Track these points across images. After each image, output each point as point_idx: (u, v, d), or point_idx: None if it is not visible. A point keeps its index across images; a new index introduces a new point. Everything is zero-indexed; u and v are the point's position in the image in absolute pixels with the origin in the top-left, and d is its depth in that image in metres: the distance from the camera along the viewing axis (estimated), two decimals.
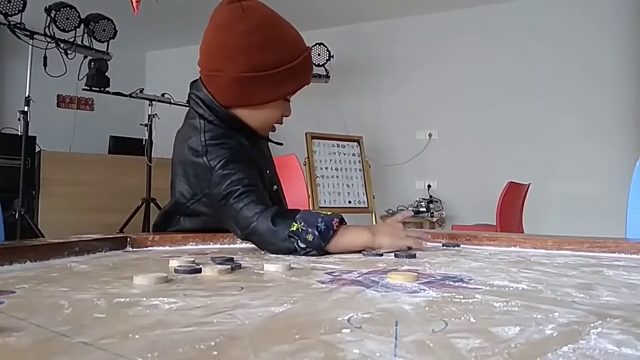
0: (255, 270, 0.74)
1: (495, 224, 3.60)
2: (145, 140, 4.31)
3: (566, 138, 4.62)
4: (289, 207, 1.32)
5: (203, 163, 1.10)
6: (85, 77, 4.14)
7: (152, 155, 4.27)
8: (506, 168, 4.62)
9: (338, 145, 4.62)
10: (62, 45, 3.89)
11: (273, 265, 0.74)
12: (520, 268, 0.78)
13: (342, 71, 5.22)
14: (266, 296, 0.54)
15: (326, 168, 4.48)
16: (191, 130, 1.17)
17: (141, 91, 4.43)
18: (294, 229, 0.96)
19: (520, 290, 0.59)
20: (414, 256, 0.90)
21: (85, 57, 4.13)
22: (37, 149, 4.29)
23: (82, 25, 3.96)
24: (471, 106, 5.01)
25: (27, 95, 3.82)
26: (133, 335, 0.37)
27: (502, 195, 3.60)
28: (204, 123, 1.16)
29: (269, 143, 1.38)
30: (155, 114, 4.31)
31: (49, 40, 3.81)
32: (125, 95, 4.32)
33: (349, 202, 4.50)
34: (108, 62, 4.21)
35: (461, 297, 0.54)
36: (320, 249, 0.96)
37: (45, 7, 3.80)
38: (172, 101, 4.53)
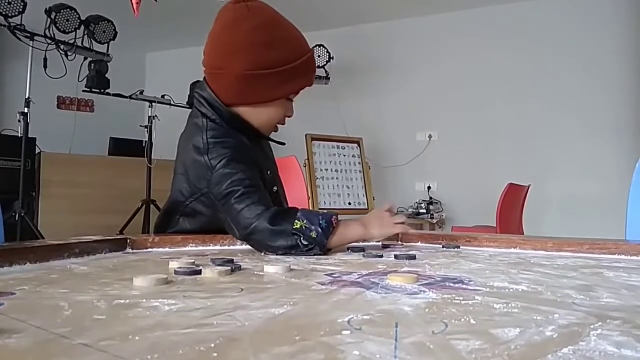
0: (255, 272, 0.74)
1: (495, 226, 3.60)
2: (145, 141, 4.31)
3: (566, 138, 4.62)
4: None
5: (204, 161, 1.11)
6: (85, 78, 4.14)
7: (152, 157, 4.27)
8: (506, 169, 4.62)
9: (338, 147, 4.62)
10: (62, 46, 3.89)
11: (273, 267, 0.74)
12: (520, 269, 0.78)
13: (342, 73, 5.22)
14: (266, 298, 0.54)
15: (326, 169, 4.48)
16: (194, 129, 1.18)
17: (141, 92, 4.43)
18: (298, 226, 0.98)
19: (520, 291, 0.59)
20: (413, 257, 0.90)
21: (86, 58, 4.13)
22: (37, 151, 4.29)
23: (82, 27, 3.96)
24: (471, 107, 5.01)
25: (27, 97, 3.82)
26: (133, 337, 0.37)
27: (502, 197, 3.60)
28: (207, 122, 1.17)
29: (271, 144, 1.38)
30: (155, 116, 4.31)
31: (49, 41, 3.81)
32: (125, 97, 4.32)
33: (349, 203, 4.50)
34: (108, 63, 4.21)
35: (461, 298, 0.54)
36: (322, 245, 0.98)
37: (46, 8, 3.80)
38: (172, 102, 4.53)
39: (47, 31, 3.80)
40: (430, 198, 5.01)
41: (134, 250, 1.03)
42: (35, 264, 0.78)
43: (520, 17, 4.86)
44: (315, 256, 0.97)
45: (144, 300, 0.52)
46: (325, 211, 1.05)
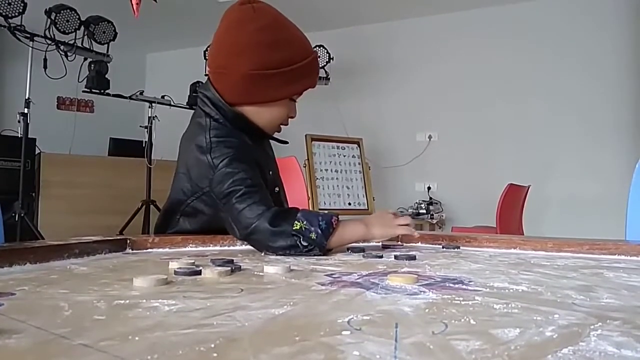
0: (255, 272, 0.74)
1: (495, 226, 3.60)
2: (145, 142, 4.31)
3: (566, 139, 4.62)
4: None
5: (206, 160, 1.11)
6: (85, 79, 4.14)
7: (152, 157, 4.27)
8: (506, 169, 4.62)
9: (338, 147, 4.62)
10: (62, 47, 3.89)
11: (273, 267, 0.74)
12: (520, 270, 0.78)
13: (342, 73, 5.22)
14: (266, 298, 0.54)
15: (326, 170, 4.48)
16: (197, 128, 1.19)
17: (141, 93, 4.44)
18: (298, 227, 0.98)
19: (520, 292, 0.59)
20: (413, 258, 0.90)
21: (86, 59, 4.13)
22: (37, 151, 4.29)
23: (82, 28, 3.96)
24: (471, 108, 5.01)
25: (27, 97, 3.82)
26: (133, 337, 0.37)
27: (502, 197, 3.60)
28: (210, 121, 1.18)
29: (272, 145, 1.39)
30: (155, 116, 4.31)
31: (49, 42, 3.81)
32: (125, 97, 4.32)
33: (349, 204, 4.50)
34: (108, 64, 4.21)
35: (461, 299, 0.54)
36: (322, 246, 0.98)
37: (46, 9, 3.80)
38: (172, 103, 4.53)
39: (47, 32, 3.80)
40: (430, 198, 5.01)
41: (134, 251, 1.03)
42: (35, 264, 0.78)
43: (520, 17, 4.86)
44: (315, 257, 0.97)
45: (144, 300, 0.52)
46: (326, 212, 1.05)
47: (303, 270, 0.77)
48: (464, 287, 0.62)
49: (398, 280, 0.63)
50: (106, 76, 4.19)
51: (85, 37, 4.05)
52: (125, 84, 4.52)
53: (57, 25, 3.81)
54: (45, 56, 3.75)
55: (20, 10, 3.60)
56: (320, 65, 4.77)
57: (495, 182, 4.06)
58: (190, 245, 1.09)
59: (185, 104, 4.61)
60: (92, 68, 4.13)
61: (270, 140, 1.38)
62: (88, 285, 0.62)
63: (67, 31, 3.87)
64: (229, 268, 0.72)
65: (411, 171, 5.25)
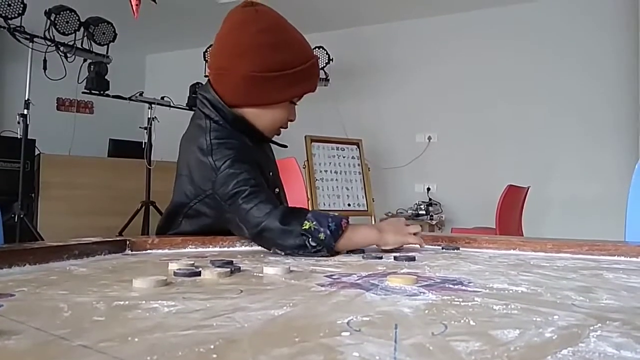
0: (255, 274, 0.74)
1: (494, 227, 3.60)
2: (145, 143, 4.31)
3: (566, 140, 4.62)
4: None
5: (208, 163, 1.11)
6: (85, 80, 4.14)
7: (152, 158, 4.27)
8: (506, 170, 4.62)
9: (337, 148, 4.62)
10: (61, 48, 3.89)
11: (272, 269, 0.74)
12: (520, 271, 0.78)
13: (342, 74, 5.23)
14: (265, 299, 0.54)
15: (325, 171, 4.48)
16: (197, 130, 1.19)
17: (141, 94, 4.44)
18: (307, 227, 0.98)
19: (519, 293, 0.59)
20: (413, 259, 0.90)
21: (85, 60, 4.13)
22: (37, 152, 4.29)
23: (82, 29, 3.96)
24: (470, 109, 5.02)
25: (26, 99, 3.82)
26: (132, 339, 0.37)
27: (502, 198, 3.60)
28: (210, 123, 1.18)
29: (272, 146, 1.39)
30: (155, 117, 4.31)
31: (49, 43, 3.81)
32: (125, 99, 4.32)
33: (349, 205, 4.50)
34: (108, 65, 4.21)
35: (461, 300, 0.54)
36: (330, 247, 0.98)
37: (45, 10, 3.80)
38: (172, 104, 4.53)
39: (46, 33, 3.80)
40: (430, 199, 5.01)
41: (134, 252, 1.03)
42: (35, 265, 0.78)
43: (519, 18, 4.87)
44: (316, 258, 0.97)
45: (144, 301, 0.52)
46: (336, 214, 1.06)
47: (303, 272, 0.77)
48: (464, 288, 0.62)
49: (397, 281, 0.63)
50: (106, 77, 4.19)
51: (85, 38, 4.05)
52: (125, 85, 4.52)
53: (57, 27, 3.81)
54: (45, 57, 3.75)
55: (20, 11, 3.60)
56: (320, 67, 4.81)
57: (495, 183, 4.06)
58: (190, 246, 1.09)
59: (184, 105, 4.61)
60: (92, 69, 4.13)
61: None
62: (87, 286, 0.62)
63: (66, 32, 3.87)
64: (229, 269, 0.72)
65: (411, 172, 5.25)
